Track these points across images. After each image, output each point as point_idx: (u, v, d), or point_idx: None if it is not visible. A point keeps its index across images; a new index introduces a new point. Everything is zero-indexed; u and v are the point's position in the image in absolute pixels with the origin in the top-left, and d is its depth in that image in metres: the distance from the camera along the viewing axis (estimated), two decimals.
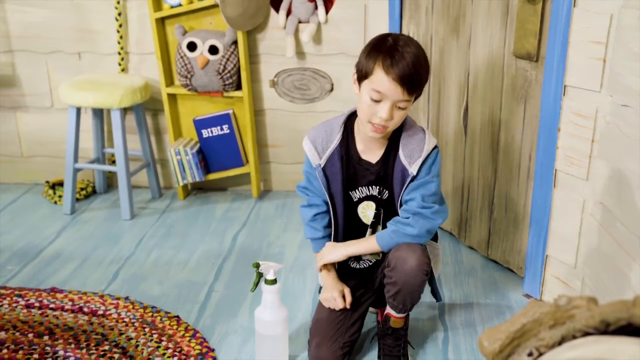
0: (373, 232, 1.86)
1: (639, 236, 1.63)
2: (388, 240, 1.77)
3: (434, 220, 1.75)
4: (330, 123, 1.84)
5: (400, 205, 1.79)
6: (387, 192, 1.82)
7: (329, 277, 1.91)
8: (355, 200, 1.85)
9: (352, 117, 1.83)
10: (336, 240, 1.89)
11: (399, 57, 1.63)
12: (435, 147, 1.77)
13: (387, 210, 1.84)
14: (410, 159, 1.74)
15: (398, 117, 1.68)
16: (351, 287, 1.93)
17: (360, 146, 1.81)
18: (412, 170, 1.74)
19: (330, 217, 1.88)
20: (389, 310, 1.84)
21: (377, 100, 1.65)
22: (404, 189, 1.76)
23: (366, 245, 1.82)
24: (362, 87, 1.70)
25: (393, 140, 1.78)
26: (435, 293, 1.95)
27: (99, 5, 2.91)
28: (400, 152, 1.76)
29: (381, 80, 1.64)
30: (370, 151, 1.80)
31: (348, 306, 1.88)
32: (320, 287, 1.99)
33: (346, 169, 1.81)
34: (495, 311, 2.14)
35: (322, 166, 1.80)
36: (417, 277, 1.71)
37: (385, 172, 1.79)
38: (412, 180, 1.75)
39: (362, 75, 1.69)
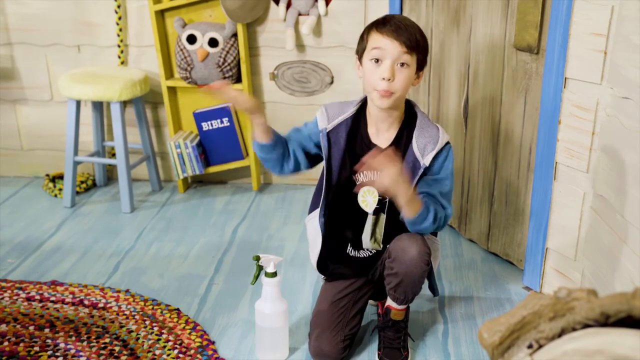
0: (376, 220, 1.84)
1: (638, 228, 1.63)
2: (425, 210, 1.68)
3: (443, 223, 1.77)
4: (346, 101, 1.86)
5: None
6: None
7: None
8: (357, 183, 1.83)
9: (366, 101, 1.84)
10: (332, 227, 1.87)
11: (390, 18, 1.72)
12: (448, 143, 1.77)
13: (392, 200, 1.83)
14: (423, 150, 1.74)
15: (401, 78, 1.68)
16: (350, 277, 1.92)
17: (372, 129, 1.81)
18: (425, 161, 1.73)
19: (321, 186, 1.84)
20: (389, 302, 1.84)
21: (377, 59, 1.69)
22: (414, 181, 1.74)
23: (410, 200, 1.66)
24: (363, 62, 1.74)
25: (405, 128, 1.78)
26: (432, 287, 1.95)
27: None
28: (414, 143, 1.75)
29: (377, 39, 1.69)
30: (381, 134, 1.80)
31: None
32: (324, 278, 1.99)
33: (353, 149, 1.80)
34: (495, 304, 2.15)
35: (327, 130, 1.79)
36: (418, 268, 1.71)
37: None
38: (423, 173, 1.75)
39: (361, 50, 1.75)
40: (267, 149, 1.79)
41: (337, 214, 1.86)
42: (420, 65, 1.73)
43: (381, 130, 1.79)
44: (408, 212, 1.68)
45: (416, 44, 1.68)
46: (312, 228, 1.90)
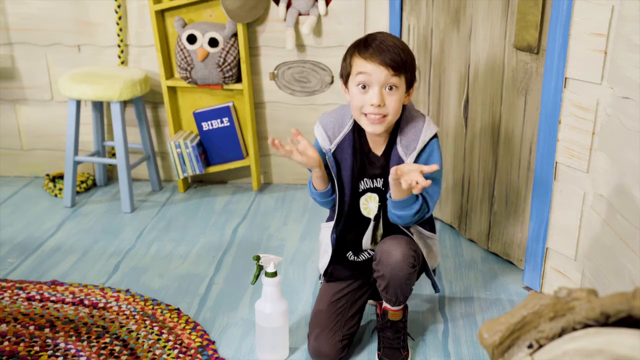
0: (376, 226, 1.86)
1: (639, 228, 1.63)
2: (413, 198, 1.71)
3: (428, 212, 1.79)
4: (342, 109, 1.82)
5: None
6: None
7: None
8: (360, 191, 1.84)
9: None
10: (337, 231, 1.88)
11: (371, 39, 1.66)
12: (435, 136, 1.74)
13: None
14: (407, 149, 1.73)
15: (392, 102, 1.65)
16: (349, 279, 1.93)
17: (369, 138, 1.81)
18: (409, 161, 1.72)
19: (335, 204, 1.85)
20: (385, 303, 1.85)
21: (364, 85, 1.65)
22: None
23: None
24: (349, 86, 1.71)
25: (394, 131, 1.78)
26: (434, 285, 1.96)
27: None
28: (398, 142, 1.74)
29: (361, 64, 1.65)
30: (377, 143, 1.80)
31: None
32: (320, 275, 1.99)
33: (357, 160, 1.80)
34: (496, 303, 2.15)
35: (332, 151, 1.79)
36: (403, 270, 1.71)
37: (388, 164, 1.79)
38: None
39: (346, 74, 1.71)
40: (326, 194, 1.82)
41: (344, 223, 1.88)
42: (410, 83, 1.70)
43: (377, 143, 1.80)
44: (398, 193, 1.69)
45: (402, 64, 1.63)
46: (325, 237, 1.92)
